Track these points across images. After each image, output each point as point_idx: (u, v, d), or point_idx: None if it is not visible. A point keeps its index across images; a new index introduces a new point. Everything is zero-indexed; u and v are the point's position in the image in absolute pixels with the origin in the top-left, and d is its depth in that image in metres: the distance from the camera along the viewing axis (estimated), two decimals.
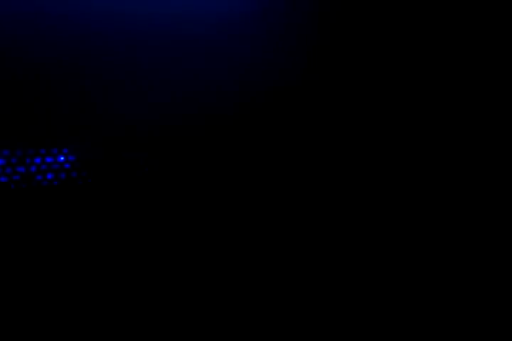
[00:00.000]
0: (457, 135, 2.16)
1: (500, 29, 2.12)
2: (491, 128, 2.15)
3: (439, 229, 2.14)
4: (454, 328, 1.95)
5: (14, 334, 1.82)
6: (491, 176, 2.14)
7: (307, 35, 2.14)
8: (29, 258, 1.93)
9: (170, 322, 1.93)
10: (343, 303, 2.02)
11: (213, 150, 2.12)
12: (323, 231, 2.15)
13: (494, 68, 2.14)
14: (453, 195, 2.16)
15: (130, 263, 2.02)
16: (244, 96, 2.11)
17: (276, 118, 2.15)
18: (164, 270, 2.03)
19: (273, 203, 2.16)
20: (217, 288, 2.02)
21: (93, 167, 2.01)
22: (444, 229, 2.14)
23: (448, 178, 2.17)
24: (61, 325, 1.86)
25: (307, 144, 2.18)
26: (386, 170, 2.19)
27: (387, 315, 1.99)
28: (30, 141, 1.93)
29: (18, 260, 1.92)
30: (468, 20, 2.13)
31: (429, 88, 2.17)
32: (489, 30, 2.12)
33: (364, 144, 2.19)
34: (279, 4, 2.11)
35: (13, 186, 1.90)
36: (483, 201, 2.14)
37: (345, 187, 2.19)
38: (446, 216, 2.15)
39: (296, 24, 2.11)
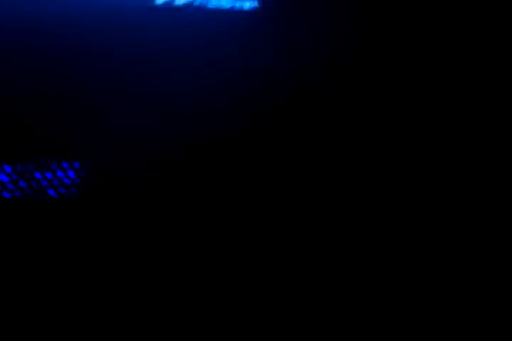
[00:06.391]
0: (458, 137, 2.19)
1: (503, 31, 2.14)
2: (492, 132, 2.18)
3: (439, 228, 2.17)
4: (454, 327, 2.01)
5: (14, 334, 1.82)
6: (491, 176, 2.18)
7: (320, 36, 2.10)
8: (38, 267, 1.93)
9: (175, 322, 1.95)
10: (342, 302, 2.06)
11: (229, 166, 2.11)
12: (328, 231, 2.17)
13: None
14: (453, 195, 2.19)
15: (132, 272, 2.02)
16: (263, 104, 2.06)
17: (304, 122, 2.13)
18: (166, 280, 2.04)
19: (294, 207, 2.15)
20: (230, 301, 2.04)
21: (103, 181, 1.98)
22: (443, 229, 2.17)
23: (448, 179, 2.19)
24: (62, 326, 1.87)
25: (330, 148, 2.17)
26: (393, 171, 2.20)
27: (386, 315, 2.04)
28: (41, 156, 1.90)
29: (28, 268, 1.91)
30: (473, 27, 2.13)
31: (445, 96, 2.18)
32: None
33: (377, 146, 2.19)
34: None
35: (24, 200, 1.88)
36: (482, 201, 2.17)
37: (358, 190, 2.20)
38: (445, 216, 2.18)
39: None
